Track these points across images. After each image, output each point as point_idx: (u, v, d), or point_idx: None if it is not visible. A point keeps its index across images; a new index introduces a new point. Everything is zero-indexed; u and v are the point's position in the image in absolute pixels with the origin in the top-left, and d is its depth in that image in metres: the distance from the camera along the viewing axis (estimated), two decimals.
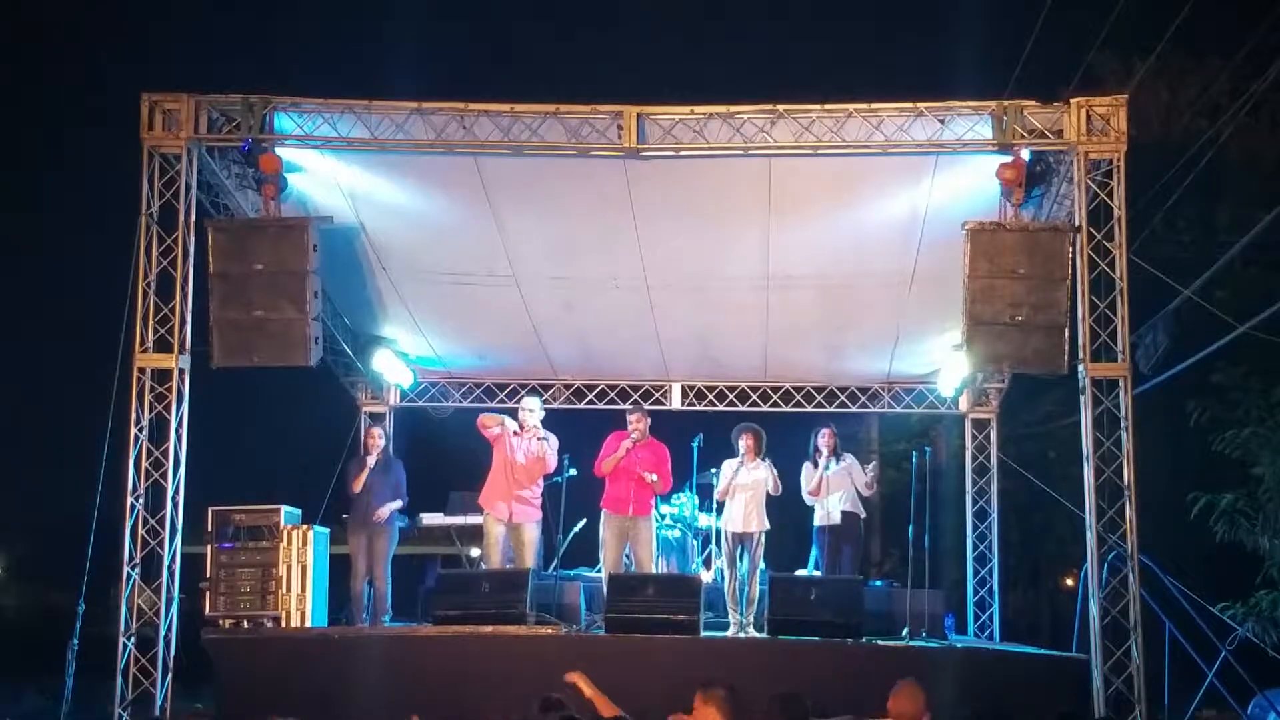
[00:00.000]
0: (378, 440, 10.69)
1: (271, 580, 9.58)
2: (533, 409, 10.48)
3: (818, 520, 10.75)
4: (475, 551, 12.10)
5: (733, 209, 10.04)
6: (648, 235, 10.30)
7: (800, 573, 11.06)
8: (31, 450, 22.25)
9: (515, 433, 10.36)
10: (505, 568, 10.02)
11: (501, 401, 12.97)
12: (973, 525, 12.85)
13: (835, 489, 10.67)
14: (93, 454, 9.37)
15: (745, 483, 10.05)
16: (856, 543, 10.84)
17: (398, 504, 10.56)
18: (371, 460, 10.48)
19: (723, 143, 9.24)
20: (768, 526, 10.10)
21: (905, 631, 9.72)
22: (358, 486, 10.43)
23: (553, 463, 10.28)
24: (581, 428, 10.74)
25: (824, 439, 10.72)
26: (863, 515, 10.82)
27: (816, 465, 10.69)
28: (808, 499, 10.75)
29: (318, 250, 9.23)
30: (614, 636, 9.01)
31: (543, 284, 11.13)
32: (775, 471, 10.13)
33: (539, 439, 10.32)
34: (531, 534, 10.26)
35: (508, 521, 10.21)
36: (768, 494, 10.07)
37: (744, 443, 10.17)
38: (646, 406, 11.70)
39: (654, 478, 10.22)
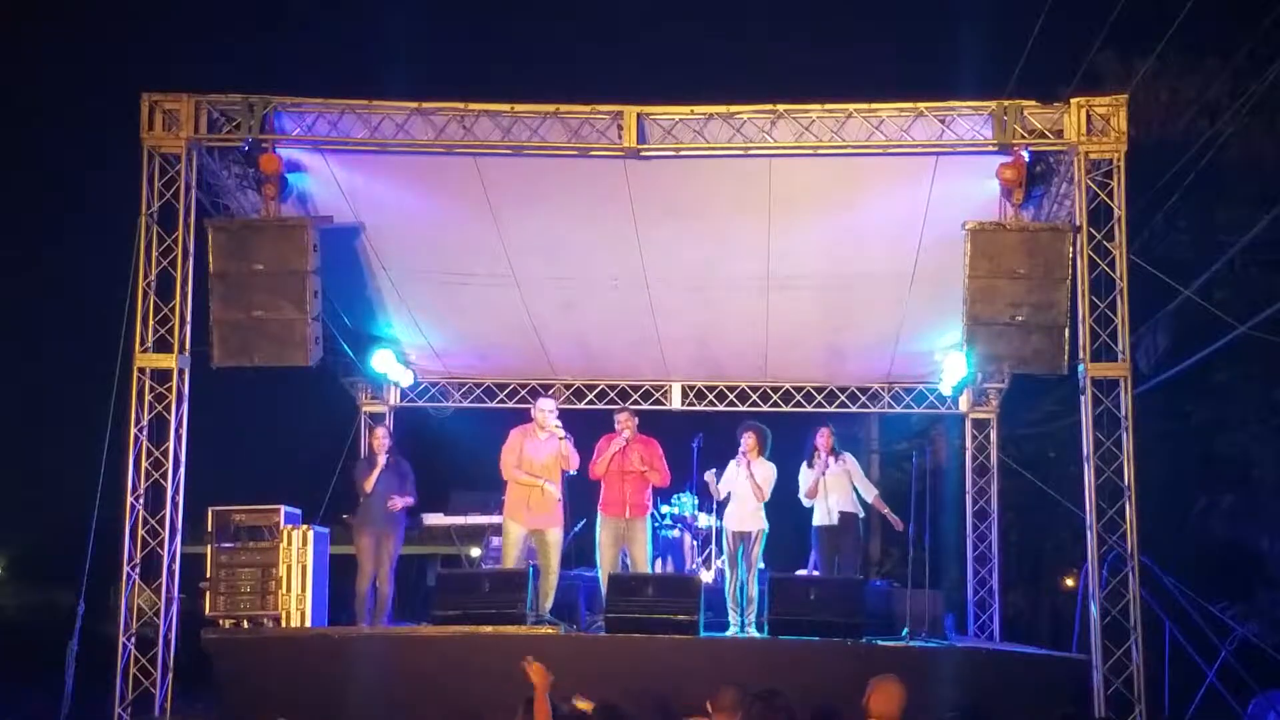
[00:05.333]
0: (383, 440, 10.63)
1: (271, 580, 9.56)
2: (550, 409, 10.32)
3: (816, 520, 10.70)
4: (475, 551, 12.08)
5: (733, 209, 10.03)
6: (648, 235, 10.30)
7: (800, 573, 11.06)
8: (32, 450, 22.30)
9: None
10: (505, 568, 9.99)
11: (501, 402, 13.00)
12: (973, 525, 12.85)
13: (833, 489, 10.58)
14: (93, 454, 9.39)
15: (742, 482, 10.08)
16: (856, 542, 10.75)
17: (410, 500, 10.47)
18: (382, 460, 10.41)
19: (723, 143, 9.23)
20: (766, 526, 10.11)
21: (905, 631, 9.72)
22: (369, 487, 10.35)
23: (575, 462, 10.13)
24: (581, 428, 10.69)
25: (820, 439, 10.66)
26: (861, 515, 10.72)
27: (812, 466, 10.64)
28: (804, 500, 10.74)
29: (318, 250, 9.23)
30: (614, 636, 8.99)
31: (543, 284, 11.13)
32: (768, 475, 10.11)
33: (560, 438, 10.20)
34: (556, 536, 10.08)
35: (530, 527, 10.11)
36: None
37: (746, 441, 10.19)
38: (646, 406, 11.66)
39: (644, 467, 10.17)
